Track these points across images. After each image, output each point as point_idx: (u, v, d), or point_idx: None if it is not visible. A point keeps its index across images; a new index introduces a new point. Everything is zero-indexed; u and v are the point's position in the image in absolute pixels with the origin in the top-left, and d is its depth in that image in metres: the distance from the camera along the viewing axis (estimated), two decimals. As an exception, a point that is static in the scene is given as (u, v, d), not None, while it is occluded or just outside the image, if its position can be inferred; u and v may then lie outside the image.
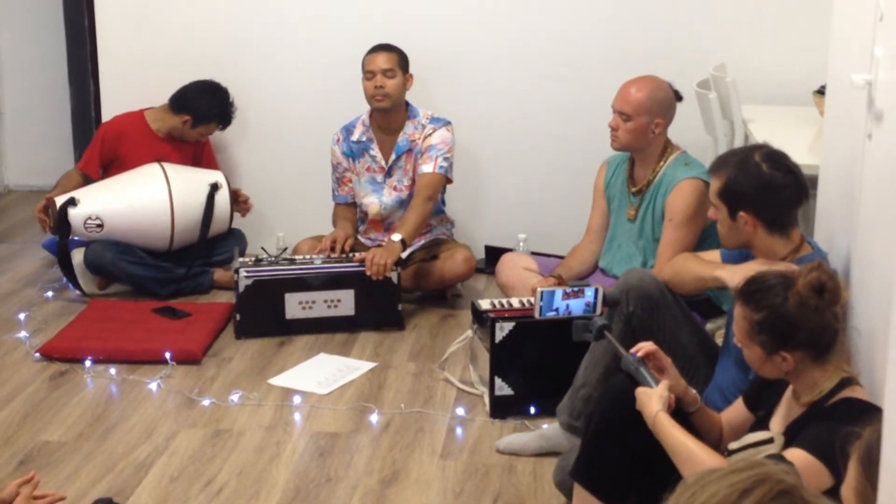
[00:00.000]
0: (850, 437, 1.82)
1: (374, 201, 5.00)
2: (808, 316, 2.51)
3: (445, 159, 4.89)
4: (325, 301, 4.65)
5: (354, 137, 5.01)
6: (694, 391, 2.89)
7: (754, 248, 3.13)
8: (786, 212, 3.10)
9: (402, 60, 4.93)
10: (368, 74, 4.88)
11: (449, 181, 4.94)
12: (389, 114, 4.92)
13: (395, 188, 4.98)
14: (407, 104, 4.98)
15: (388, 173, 4.98)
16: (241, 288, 4.58)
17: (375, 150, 4.98)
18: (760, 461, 1.59)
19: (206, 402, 4.06)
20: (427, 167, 4.87)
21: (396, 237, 4.69)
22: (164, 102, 5.29)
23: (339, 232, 4.91)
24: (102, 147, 5.26)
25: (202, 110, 5.23)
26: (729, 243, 3.18)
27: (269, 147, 5.61)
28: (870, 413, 2.33)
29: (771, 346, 2.55)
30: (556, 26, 5.34)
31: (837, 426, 2.01)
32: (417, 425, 3.91)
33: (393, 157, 4.95)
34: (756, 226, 3.08)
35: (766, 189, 3.05)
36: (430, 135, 4.92)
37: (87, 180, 5.20)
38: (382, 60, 4.87)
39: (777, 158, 3.10)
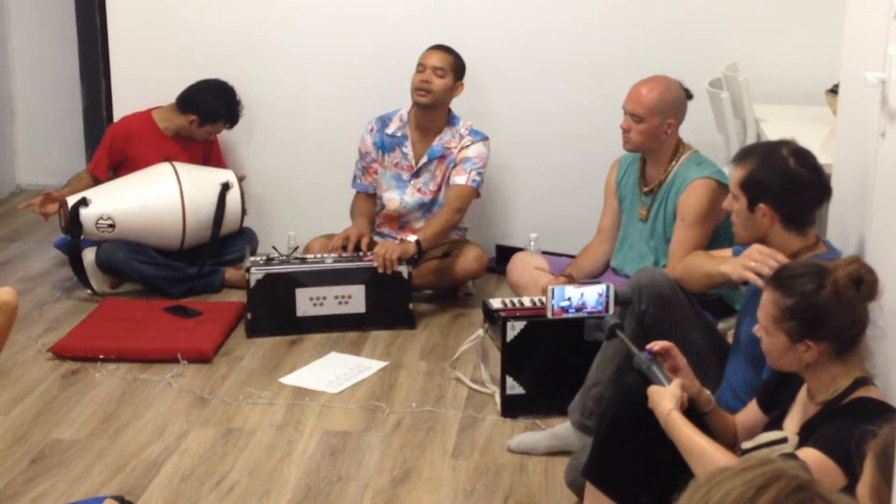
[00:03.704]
0: (867, 436, 1.81)
1: (396, 198, 4.99)
2: (841, 307, 2.48)
3: (479, 174, 4.88)
4: (336, 297, 4.65)
5: (389, 130, 4.98)
6: (708, 392, 2.88)
7: (768, 244, 3.10)
8: (806, 209, 3.07)
9: (458, 65, 4.91)
10: (420, 67, 4.86)
11: (478, 195, 4.94)
12: (430, 115, 4.90)
13: (419, 190, 4.97)
14: (449, 111, 4.96)
15: (416, 174, 4.96)
16: (252, 283, 4.58)
17: (408, 148, 4.95)
18: (772, 458, 1.58)
19: (217, 401, 4.06)
20: (460, 179, 4.86)
21: (412, 238, 4.69)
22: (172, 102, 5.29)
23: (353, 229, 4.89)
24: (111, 148, 5.26)
25: (209, 110, 5.23)
26: (742, 236, 3.14)
27: (281, 146, 5.62)
28: (885, 413, 2.33)
29: (798, 333, 2.51)
30: (566, 25, 5.33)
31: (852, 426, 2.00)
32: (428, 424, 3.91)
33: (425, 159, 4.93)
34: (774, 220, 3.04)
35: (791, 184, 3.01)
36: (467, 146, 4.90)
37: (96, 182, 5.20)
38: (437, 58, 4.87)
39: (804, 155, 3.06)
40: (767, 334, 2.58)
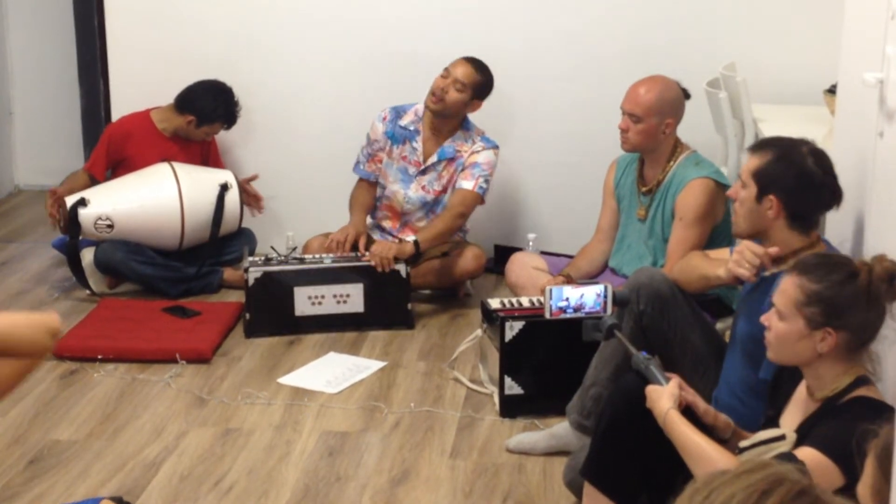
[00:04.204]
0: (867, 436, 1.80)
1: (399, 191, 4.97)
2: (868, 299, 2.47)
3: (486, 181, 4.86)
4: (335, 296, 4.65)
5: (403, 123, 4.95)
6: (725, 416, 2.83)
7: (768, 239, 3.08)
8: (813, 211, 3.05)
9: (481, 86, 4.85)
10: (445, 73, 4.83)
11: (482, 202, 4.93)
12: (441, 120, 4.88)
13: (423, 187, 4.95)
14: (465, 118, 4.94)
15: (423, 171, 4.94)
16: (251, 281, 4.58)
17: (418, 144, 4.93)
18: (768, 461, 1.56)
19: (215, 401, 4.06)
20: (467, 184, 4.85)
21: (411, 238, 4.69)
22: (170, 102, 5.29)
23: (351, 228, 4.89)
24: (109, 148, 5.26)
25: (206, 111, 5.23)
26: (743, 227, 3.10)
27: (279, 147, 5.61)
28: (884, 412, 2.32)
29: (819, 319, 2.49)
30: (565, 25, 5.33)
31: (851, 425, 2.00)
32: (427, 424, 3.91)
33: (434, 158, 4.91)
34: (779, 215, 3.01)
35: (805, 182, 3.00)
36: (477, 152, 4.89)
37: (93, 181, 5.20)
38: (462, 72, 4.81)
39: (822, 157, 3.04)
40: (782, 320, 2.54)
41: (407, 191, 4.96)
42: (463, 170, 4.88)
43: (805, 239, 3.04)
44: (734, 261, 3.04)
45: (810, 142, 3.09)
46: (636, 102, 4.01)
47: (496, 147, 4.93)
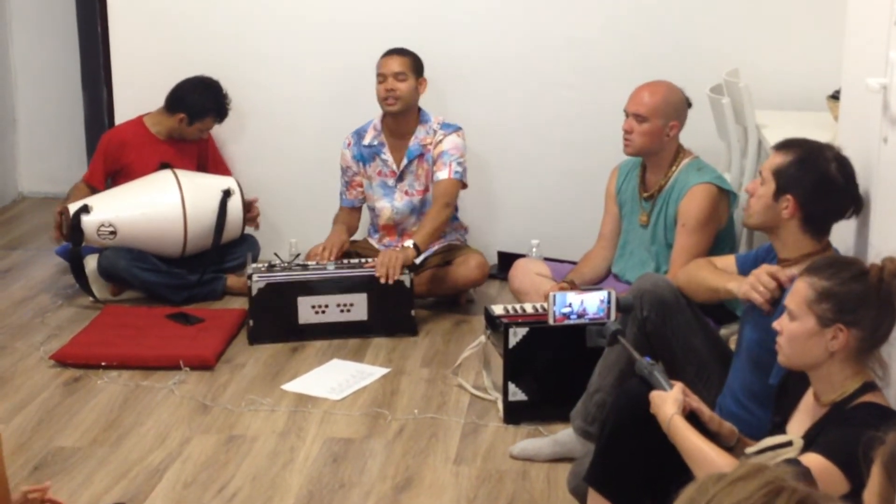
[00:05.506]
0: (874, 442, 1.79)
1: (386, 206, 5.01)
2: (879, 297, 2.47)
3: (459, 164, 4.89)
4: (339, 305, 4.65)
5: (366, 142, 5.01)
6: (729, 424, 2.82)
7: (778, 239, 3.07)
8: (829, 217, 3.05)
9: (416, 64, 4.93)
10: (380, 77, 4.89)
11: (464, 186, 4.95)
12: (401, 118, 4.92)
13: (406, 193, 4.98)
14: (419, 109, 4.98)
15: (400, 178, 4.98)
16: (254, 291, 4.58)
17: (387, 155, 4.98)
18: (763, 465, 1.54)
19: (219, 408, 4.06)
20: (442, 174, 4.88)
21: (409, 243, 4.70)
22: (161, 106, 5.30)
23: (330, 240, 4.92)
24: (105, 158, 5.26)
25: (196, 106, 5.23)
26: (755, 221, 3.10)
27: (283, 153, 5.62)
28: (891, 419, 2.32)
29: (830, 316, 2.48)
30: (568, 32, 5.33)
31: (857, 432, 1.99)
32: (431, 431, 3.91)
33: (405, 161, 4.95)
34: (793, 215, 3.01)
35: (825, 187, 2.99)
36: (440, 141, 4.92)
37: (94, 193, 5.20)
38: (394, 64, 4.89)
39: (846, 165, 3.04)
40: (794, 319, 2.53)
41: (392, 202, 4.99)
42: (434, 162, 4.91)
43: (816, 244, 3.03)
44: (749, 283, 3.02)
45: (836, 148, 3.08)
46: (641, 103, 4.01)
47: (459, 129, 4.96)
